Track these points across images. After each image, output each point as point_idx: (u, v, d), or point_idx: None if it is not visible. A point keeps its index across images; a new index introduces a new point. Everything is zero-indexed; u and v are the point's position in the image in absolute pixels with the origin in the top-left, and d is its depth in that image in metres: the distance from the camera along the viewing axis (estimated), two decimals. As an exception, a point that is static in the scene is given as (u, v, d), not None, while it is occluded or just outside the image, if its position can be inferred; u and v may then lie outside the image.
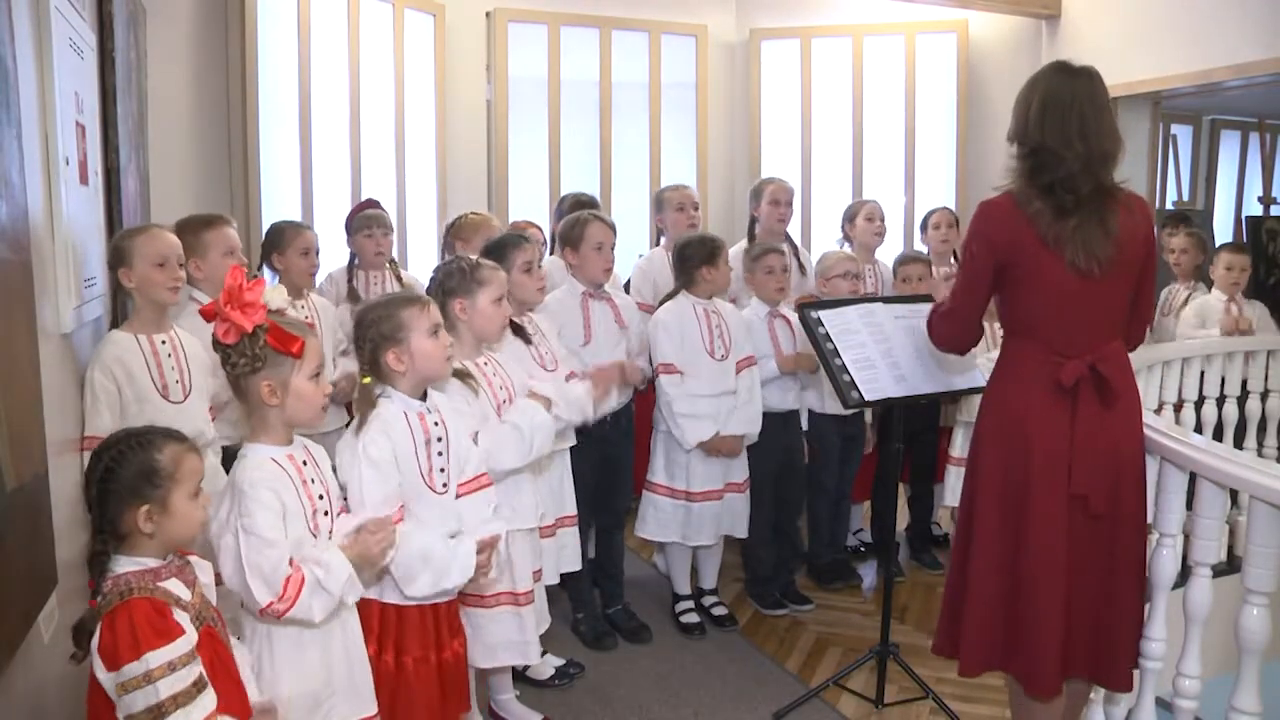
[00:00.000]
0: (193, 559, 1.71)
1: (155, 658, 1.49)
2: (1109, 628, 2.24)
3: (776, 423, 3.61)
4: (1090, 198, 2.15)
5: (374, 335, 2.15)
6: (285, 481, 1.85)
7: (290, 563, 1.79)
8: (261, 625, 1.85)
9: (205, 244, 2.68)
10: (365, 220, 3.73)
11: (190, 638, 1.55)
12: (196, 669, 1.54)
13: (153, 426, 1.70)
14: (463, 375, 2.47)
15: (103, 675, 1.51)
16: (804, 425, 3.79)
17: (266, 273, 3.35)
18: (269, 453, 1.86)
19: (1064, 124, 2.16)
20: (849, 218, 4.38)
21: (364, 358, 2.18)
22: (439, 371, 2.22)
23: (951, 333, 2.42)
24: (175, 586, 1.60)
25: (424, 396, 2.24)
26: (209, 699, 1.54)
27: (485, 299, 2.51)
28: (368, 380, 2.17)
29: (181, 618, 1.57)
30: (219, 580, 1.92)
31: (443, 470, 2.21)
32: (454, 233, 3.80)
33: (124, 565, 1.58)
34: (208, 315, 1.82)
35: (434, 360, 2.18)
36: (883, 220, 4.32)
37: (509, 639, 2.62)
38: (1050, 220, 2.14)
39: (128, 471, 1.57)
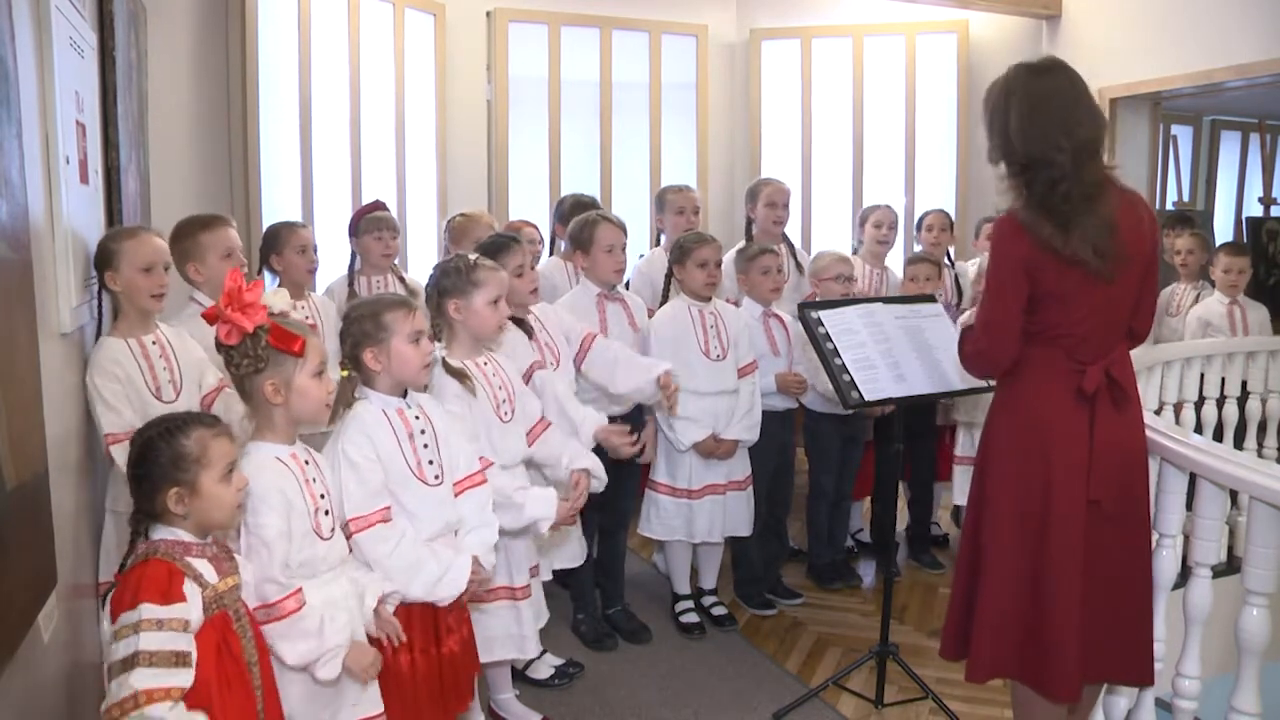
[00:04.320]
0: (239, 557, 1.76)
1: (148, 610, 1.55)
2: (1128, 626, 2.23)
3: (773, 422, 3.61)
4: (1083, 196, 2.12)
5: (356, 331, 2.16)
6: (290, 479, 1.88)
7: (296, 591, 1.82)
8: None
9: (202, 247, 2.67)
10: (375, 222, 3.71)
11: (190, 610, 1.60)
12: (183, 643, 1.57)
13: (186, 412, 1.78)
14: (460, 375, 2.47)
15: (105, 628, 1.57)
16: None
17: (267, 275, 3.34)
18: (273, 451, 1.89)
19: (1046, 126, 2.12)
20: (860, 221, 4.42)
21: (345, 351, 2.19)
22: (414, 377, 2.22)
23: (986, 349, 2.25)
24: (204, 568, 1.65)
25: (405, 394, 2.25)
26: (180, 679, 1.55)
27: (481, 300, 2.50)
28: (347, 373, 2.18)
29: (192, 592, 1.62)
30: None
31: (432, 463, 2.22)
32: (449, 236, 3.80)
33: (160, 533, 1.66)
34: (210, 318, 1.85)
35: (410, 366, 2.18)
36: (891, 228, 4.32)
37: (506, 632, 2.64)
38: (1062, 240, 2.10)
39: (158, 457, 1.65)
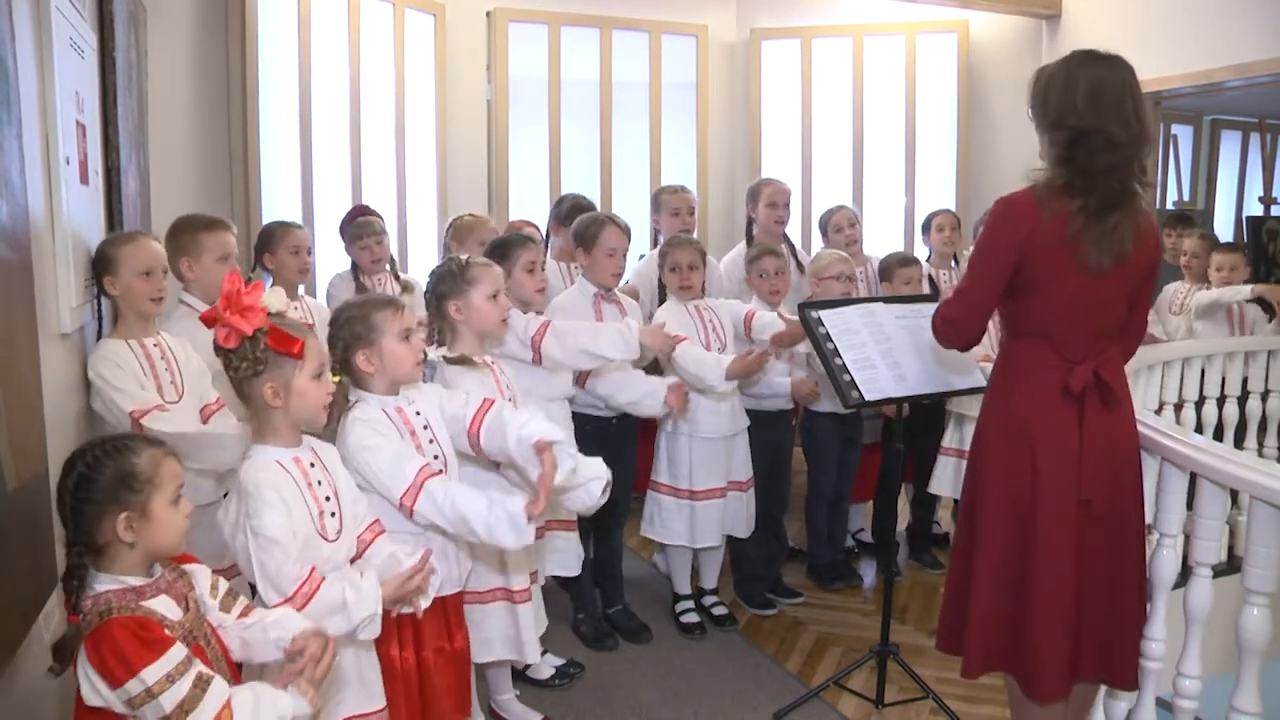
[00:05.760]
0: (189, 567, 1.68)
1: (151, 673, 1.45)
2: (1114, 627, 2.24)
3: (767, 422, 3.62)
4: (1131, 192, 2.12)
5: (346, 335, 2.16)
6: (289, 483, 1.86)
7: (311, 571, 1.80)
8: None
9: (201, 246, 2.67)
10: (358, 230, 3.73)
11: (181, 647, 1.51)
12: (195, 669, 1.50)
13: (128, 433, 1.69)
14: (463, 361, 2.48)
15: (107, 693, 1.48)
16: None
17: (262, 275, 3.34)
18: (274, 455, 1.87)
19: (1119, 106, 2.10)
20: (822, 229, 4.37)
21: (336, 356, 2.17)
22: (408, 375, 2.22)
23: (956, 317, 2.28)
24: (163, 605, 1.56)
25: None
26: (218, 688, 1.50)
27: (479, 296, 2.51)
28: (338, 378, 2.17)
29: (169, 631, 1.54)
30: (233, 574, 1.93)
31: (437, 457, 2.22)
32: (450, 235, 3.81)
33: (104, 583, 1.53)
34: (208, 321, 1.82)
35: (403, 364, 2.18)
36: (852, 226, 4.27)
37: (503, 634, 2.63)
38: (1082, 219, 2.09)
39: (104, 478, 1.52)
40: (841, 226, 4.27)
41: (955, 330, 2.33)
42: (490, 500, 2.05)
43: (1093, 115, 2.10)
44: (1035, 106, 2.22)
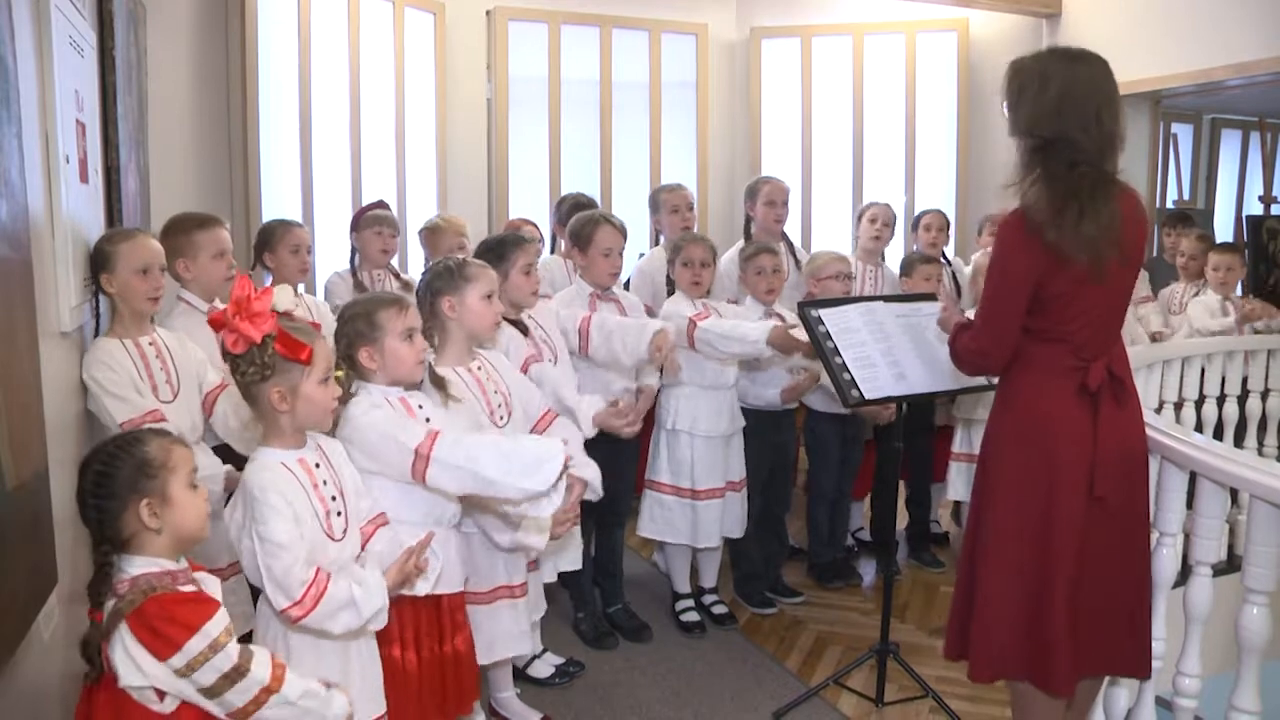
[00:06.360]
0: (200, 575, 1.68)
1: (214, 626, 1.48)
2: (1125, 619, 2.23)
3: (769, 421, 3.62)
4: (1098, 183, 2.12)
5: (350, 331, 2.17)
6: (294, 486, 1.85)
7: (317, 572, 1.80)
8: (275, 623, 1.87)
9: (196, 245, 2.65)
10: (376, 218, 3.74)
11: (226, 613, 1.56)
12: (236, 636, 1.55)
13: (132, 430, 1.72)
14: (439, 383, 2.44)
15: (154, 667, 1.48)
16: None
17: (261, 273, 3.35)
18: (279, 457, 1.87)
19: (1079, 110, 2.12)
20: (856, 217, 4.47)
21: (340, 352, 2.17)
22: (409, 374, 2.22)
23: (987, 349, 2.25)
24: None
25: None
26: (267, 660, 1.55)
27: (474, 295, 2.50)
28: (340, 374, 2.17)
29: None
30: (231, 574, 1.93)
31: None
32: (426, 241, 3.83)
33: (140, 566, 1.55)
34: (216, 325, 1.82)
35: (405, 363, 2.19)
36: (886, 225, 4.33)
37: (507, 632, 2.63)
38: (1093, 227, 2.08)
39: (121, 471, 1.55)
40: (876, 218, 4.34)
41: (987, 360, 2.31)
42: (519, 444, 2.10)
43: (1056, 122, 2.13)
44: (1010, 106, 2.24)
